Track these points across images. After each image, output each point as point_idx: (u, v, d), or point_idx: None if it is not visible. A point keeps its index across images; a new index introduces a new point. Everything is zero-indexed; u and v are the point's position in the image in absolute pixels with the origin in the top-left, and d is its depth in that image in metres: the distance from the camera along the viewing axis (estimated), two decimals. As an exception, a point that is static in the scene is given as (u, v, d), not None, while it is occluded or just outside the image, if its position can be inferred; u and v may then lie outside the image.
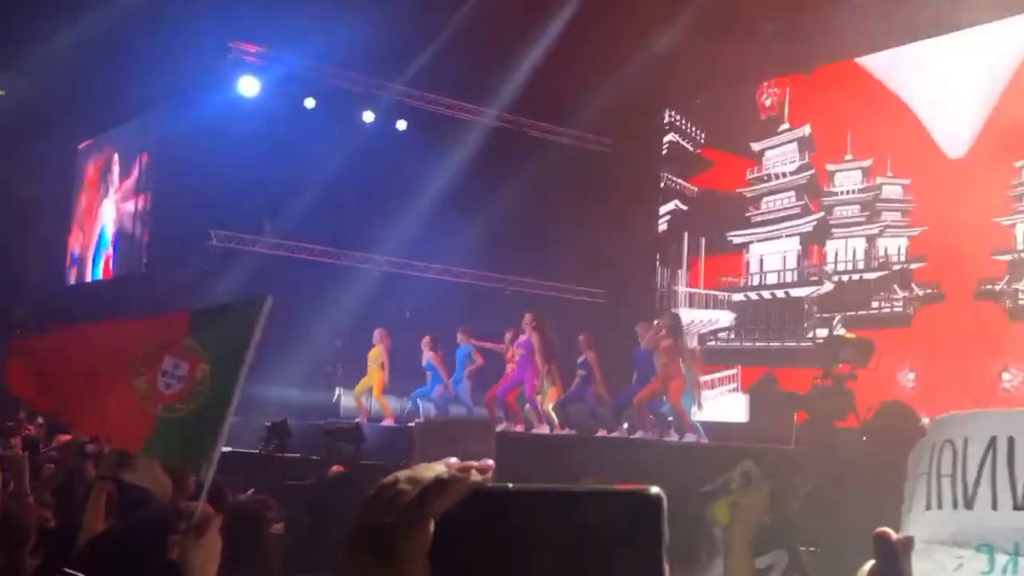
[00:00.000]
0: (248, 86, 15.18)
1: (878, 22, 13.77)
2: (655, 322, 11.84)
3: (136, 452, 2.90)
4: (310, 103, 15.68)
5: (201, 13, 13.70)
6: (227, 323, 2.95)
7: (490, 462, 0.97)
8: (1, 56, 14.56)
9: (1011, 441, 1.62)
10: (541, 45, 15.33)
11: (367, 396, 13.78)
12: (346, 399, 15.07)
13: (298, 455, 10.79)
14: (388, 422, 13.30)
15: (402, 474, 0.95)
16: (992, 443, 1.64)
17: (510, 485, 0.91)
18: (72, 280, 19.20)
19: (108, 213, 18.46)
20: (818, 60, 14.78)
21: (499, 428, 12.16)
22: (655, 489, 0.88)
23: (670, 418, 11.47)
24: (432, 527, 0.89)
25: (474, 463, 0.95)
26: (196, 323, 3.01)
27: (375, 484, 0.97)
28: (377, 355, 13.69)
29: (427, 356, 13.65)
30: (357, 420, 12.65)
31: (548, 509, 0.88)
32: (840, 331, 11.77)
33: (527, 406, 12.65)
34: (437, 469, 0.93)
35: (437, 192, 15.85)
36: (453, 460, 0.96)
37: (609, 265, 17.29)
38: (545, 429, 12.36)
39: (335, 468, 7.69)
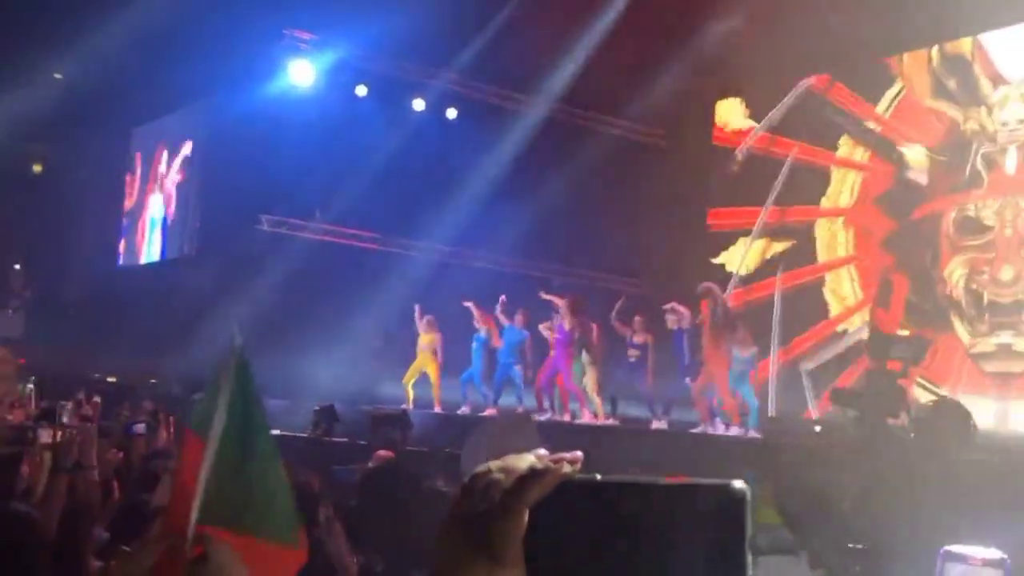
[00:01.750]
0: (301, 73, 15.31)
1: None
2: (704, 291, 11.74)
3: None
4: (362, 91, 15.80)
5: (254, 1, 13.84)
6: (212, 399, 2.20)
7: (579, 454, 0.99)
8: (57, 42, 14.80)
9: None
10: (593, 34, 15.30)
11: (419, 383, 13.82)
12: (388, 387, 15.19)
13: (345, 440, 10.90)
14: (437, 409, 13.37)
15: (494, 464, 0.97)
16: None
17: (598, 476, 0.94)
18: (123, 262, 19.50)
19: (159, 196, 18.72)
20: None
21: (544, 417, 12.25)
22: (739, 483, 0.90)
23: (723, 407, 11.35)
24: (526, 516, 0.91)
25: (565, 454, 0.98)
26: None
27: (420, 470, 0.99)
28: (431, 342, 13.71)
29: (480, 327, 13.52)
30: (404, 407, 12.73)
31: (636, 500, 0.90)
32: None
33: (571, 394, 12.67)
34: (529, 459, 0.95)
35: (486, 181, 15.91)
36: (542, 451, 0.98)
37: (657, 257, 17.21)
38: (589, 418, 12.36)
39: (381, 453, 7.76)
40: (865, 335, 12.34)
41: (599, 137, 17.39)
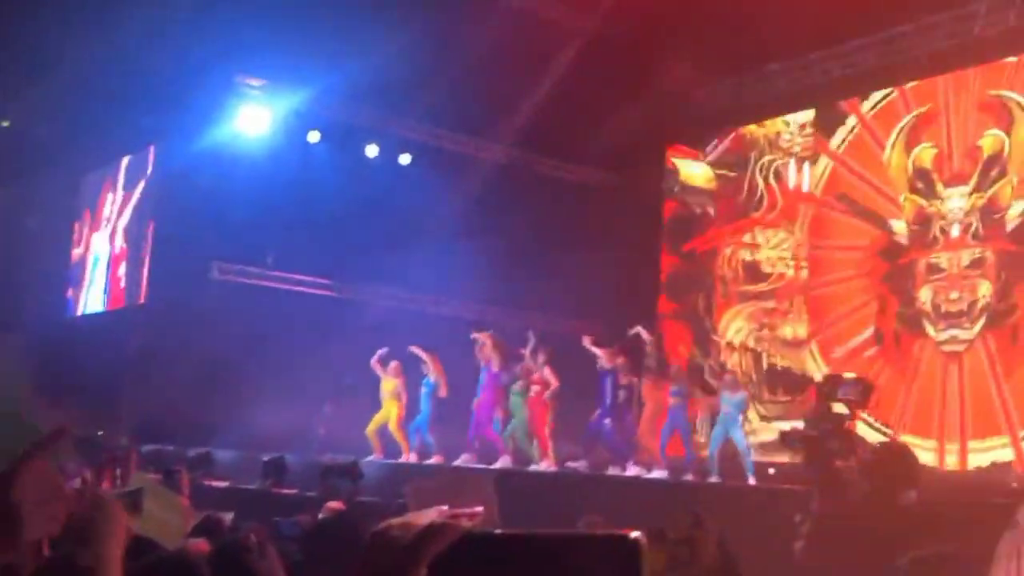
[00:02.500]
0: (253, 119, 15.30)
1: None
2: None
3: None
4: (314, 137, 15.80)
5: (207, 46, 13.85)
6: None
7: (479, 509, 1.01)
8: (6, 87, 14.72)
9: None
10: (547, 81, 15.47)
11: (387, 431, 13.68)
12: (343, 436, 15.09)
13: (295, 491, 10.78)
14: (407, 458, 13.21)
15: (395, 521, 1.00)
16: None
17: (497, 531, 0.96)
18: (73, 312, 19.26)
19: (107, 244, 18.55)
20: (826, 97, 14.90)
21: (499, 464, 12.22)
22: (635, 534, 0.92)
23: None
24: (424, 572, 0.93)
25: (464, 510, 1.00)
26: None
27: (370, 523, 1.02)
28: (394, 388, 13.62)
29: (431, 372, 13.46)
30: (354, 457, 12.62)
31: (533, 553, 0.92)
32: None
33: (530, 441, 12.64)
34: (430, 516, 0.98)
35: (441, 226, 15.92)
36: (444, 508, 1.00)
37: (611, 300, 17.35)
38: (544, 466, 12.35)
39: (331, 505, 7.67)
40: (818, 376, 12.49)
41: (553, 181, 17.56)
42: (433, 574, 0.93)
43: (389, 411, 13.62)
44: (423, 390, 13.47)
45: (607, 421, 12.05)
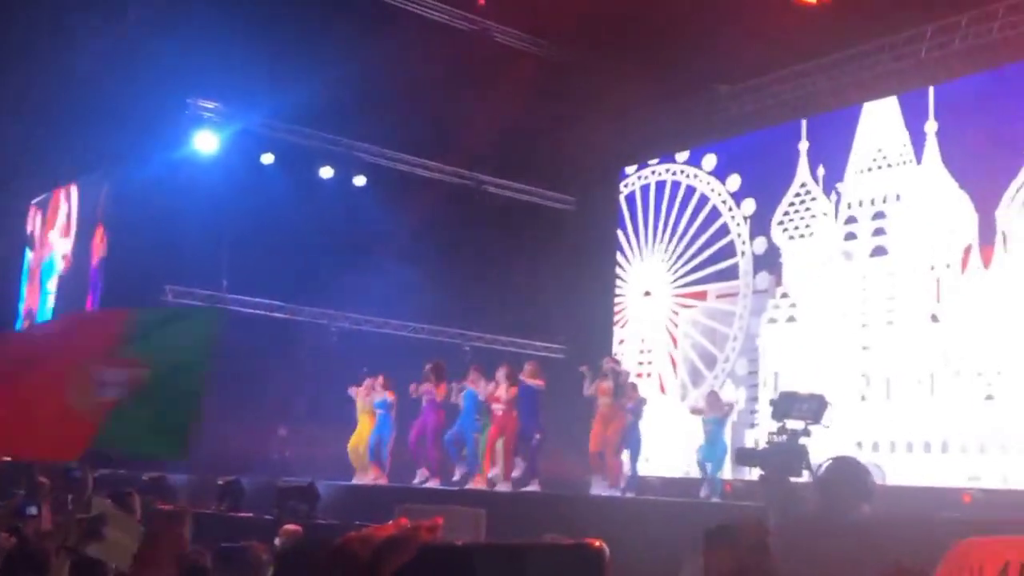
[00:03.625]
0: (205, 141, 15.23)
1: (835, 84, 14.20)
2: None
3: (77, 454, 3.00)
4: (268, 159, 15.75)
5: (159, 69, 13.78)
6: (174, 330, 3.07)
7: (439, 520, 1.01)
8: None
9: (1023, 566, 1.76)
10: (500, 103, 15.53)
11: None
12: (300, 459, 14.98)
13: (251, 515, 10.67)
14: (376, 479, 13.05)
15: (354, 535, 0.99)
16: (1005, 568, 1.76)
17: (458, 542, 0.97)
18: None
19: (59, 267, 18.29)
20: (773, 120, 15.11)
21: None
22: (598, 543, 0.94)
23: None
24: None
25: (424, 522, 1.00)
26: (131, 331, 3.07)
27: (327, 546, 1.01)
28: (370, 405, 13.50)
29: (381, 395, 13.41)
30: (311, 479, 12.51)
31: (495, 564, 0.93)
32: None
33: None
34: (388, 530, 0.98)
35: (396, 248, 15.91)
36: (404, 520, 1.00)
37: (568, 320, 17.45)
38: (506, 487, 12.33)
39: (289, 527, 7.62)
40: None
41: (508, 203, 17.64)
42: None
43: (365, 428, 13.46)
44: (379, 412, 13.37)
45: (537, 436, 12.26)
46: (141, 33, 13.99)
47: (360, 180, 16.67)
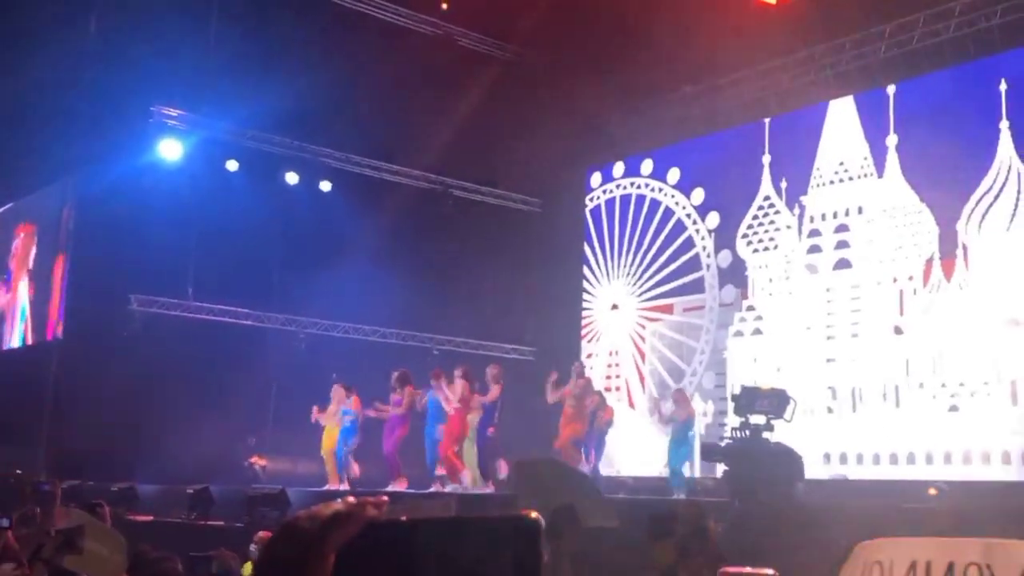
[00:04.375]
0: (170, 149, 15.20)
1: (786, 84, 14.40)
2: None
3: None
4: (233, 165, 15.74)
5: (123, 77, 13.76)
6: None
7: (384, 498, 1.08)
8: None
9: (928, 565, 1.88)
10: (465, 107, 15.62)
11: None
12: (270, 465, 15.00)
13: (222, 523, 10.68)
14: (340, 486, 12.99)
15: (302, 512, 1.05)
16: (912, 567, 1.88)
17: (403, 518, 1.03)
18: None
19: (24, 278, 18.15)
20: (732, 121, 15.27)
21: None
22: (534, 514, 1.00)
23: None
24: (332, 560, 0.98)
25: (370, 498, 1.07)
26: None
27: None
28: (336, 412, 13.46)
29: (344, 403, 13.37)
30: (282, 486, 12.51)
31: (438, 537, 0.98)
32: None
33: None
34: (335, 506, 1.04)
35: (363, 253, 15.94)
36: (351, 498, 1.07)
37: (538, 322, 17.57)
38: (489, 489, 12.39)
39: (263, 535, 7.65)
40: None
41: (475, 207, 17.70)
42: (340, 563, 0.97)
43: (333, 434, 13.41)
44: (346, 418, 13.34)
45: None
46: (103, 40, 13.97)
47: (326, 185, 16.67)
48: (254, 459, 15.22)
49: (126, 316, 14.98)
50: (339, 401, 13.45)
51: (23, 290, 18.24)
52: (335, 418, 13.44)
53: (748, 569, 1.64)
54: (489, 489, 12.19)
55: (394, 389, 13.00)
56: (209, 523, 10.81)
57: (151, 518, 11.23)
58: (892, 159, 13.35)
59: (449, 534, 0.98)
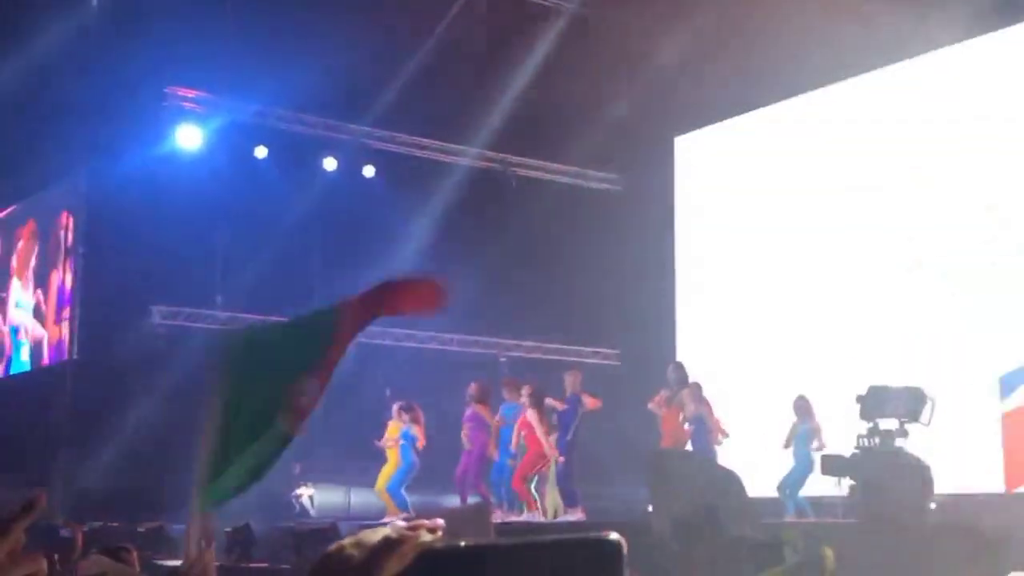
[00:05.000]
0: (189, 136, 15.39)
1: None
2: None
3: None
4: (261, 152, 15.92)
5: (132, 57, 13.98)
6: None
7: (440, 521, 1.09)
8: None
9: None
10: (527, 70, 15.57)
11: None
12: (319, 497, 15.15)
13: (266, 564, 10.83)
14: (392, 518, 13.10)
15: (348, 540, 1.08)
16: None
17: (462, 543, 1.05)
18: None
19: (30, 292, 18.53)
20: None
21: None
22: (614, 535, 1.03)
23: None
24: None
25: (424, 521, 1.08)
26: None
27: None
28: (397, 434, 13.56)
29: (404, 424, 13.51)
30: (334, 520, 12.65)
31: (504, 563, 1.00)
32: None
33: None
34: (384, 531, 1.06)
35: (415, 247, 16.00)
36: (400, 522, 1.08)
37: (623, 321, 17.46)
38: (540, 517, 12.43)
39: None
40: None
41: (543, 187, 17.64)
42: None
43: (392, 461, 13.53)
44: (402, 442, 13.42)
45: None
46: (106, 15, 14.19)
47: (369, 170, 16.79)
48: (300, 490, 15.38)
49: (147, 330, 15.23)
50: (398, 424, 13.50)
51: (26, 302, 18.63)
52: (394, 446, 13.47)
53: None
54: (577, 516, 12.21)
55: (469, 402, 13.01)
56: (251, 565, 10.95)
57: (179, 562, 11.42)
58: None
59: (517, 560, 1.00)
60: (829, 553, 4.17)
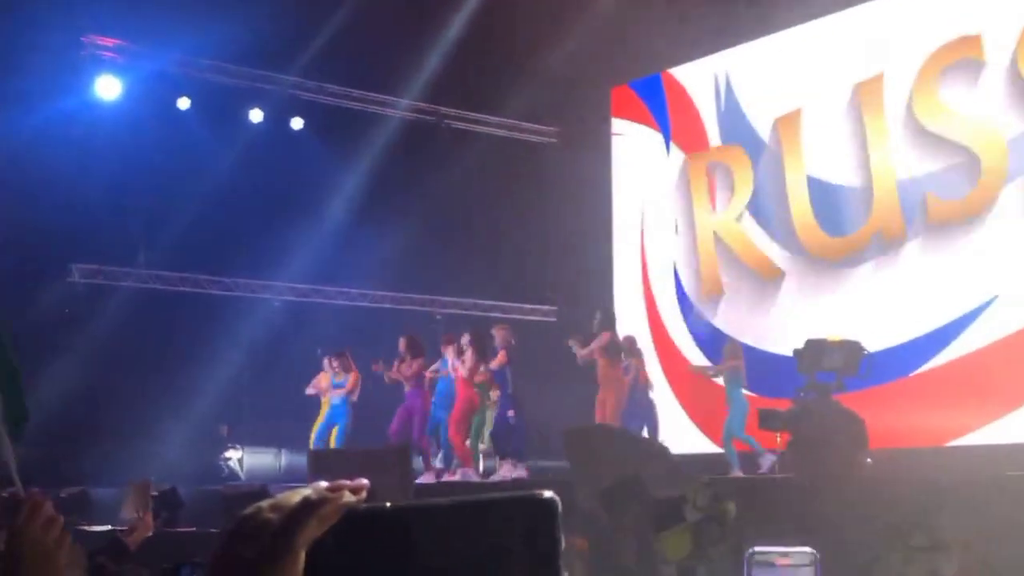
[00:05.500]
0: (108, 87, 15.16)
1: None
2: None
3: None
4: (184, 104, 15.70)
5: (46, 4, 13.67)
6: None
7: (364, 481, 1.03)
8: None
9: None
10: (460, 19, 15.46)
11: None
12: (248, 459, 15.09)
13: (193, 529, 10.77)
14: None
15: (265, 502, 1.00)
16: None
17: (387, 504, 1.00)
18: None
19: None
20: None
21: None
22: (548, 493, 0.96)
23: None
24: (303, 557, 0.95)
25: (347, 482, 1.02)
26: None
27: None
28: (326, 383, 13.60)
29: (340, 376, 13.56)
30: (264, 483, 12.62)
31: (432, 525, 0.95)
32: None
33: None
34: (304, 492, 0.98)
35: (346, 202, 15.91)
36: (322, 483, 1.02)
37: (561, 277, 17.51)
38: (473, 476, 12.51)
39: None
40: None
41: (478, 140, 17.59)
42: (312, 561, 0.95)
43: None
44: (333, 393, 13.50)
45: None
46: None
47: (297, 123, 16.64)
48: (229, 453, 15.32)
49: (66, 290, 15.03)
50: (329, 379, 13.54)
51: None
52: (323, 391, 13.54)
53: (781, 548, 1.65)
54: (519, 473, 12.27)
55: (403, 357, 13.02)
56: (178, 529, 10.89)
57: (108, 527, 11.31)
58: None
59: (445, 521, 0.96)
60: (731, 507, 4.23)
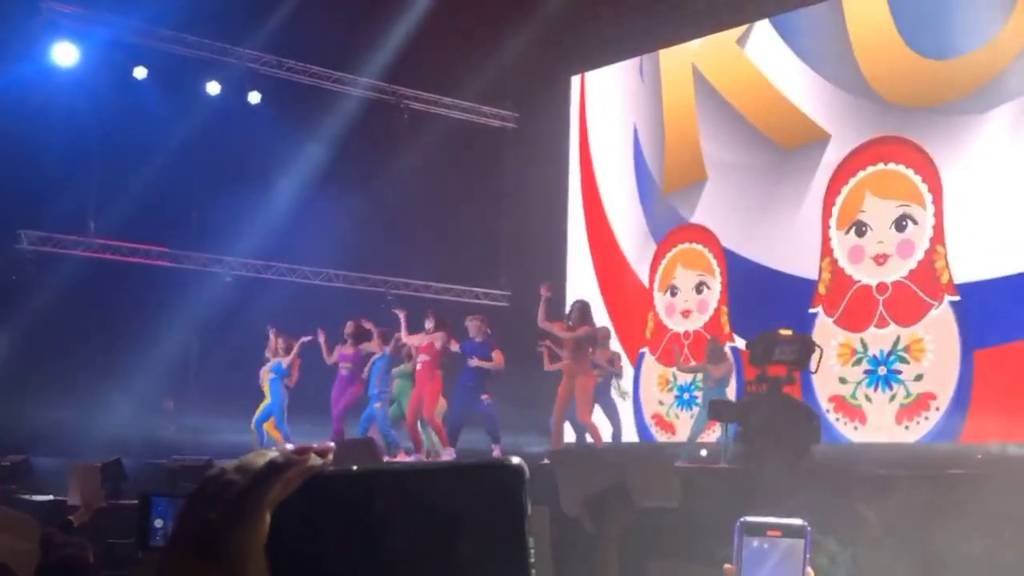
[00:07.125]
0: (64, 53, 15.02)
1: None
2: None
3: None
4: (141, 73, 15.59)
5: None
6: None
7: (331, 444, 1.02)
8: None
9: None
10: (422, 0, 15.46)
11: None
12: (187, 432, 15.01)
13: (136, 501, 10.69)
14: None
15: (230, 464, 1.00)
16: None
17: (355, 467, 0.98)
18: None
19: None
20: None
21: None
22: (516, 460, 0.96)
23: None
24: (268, 519, 0.93)
25: (313, 444, 1.00)
26: None
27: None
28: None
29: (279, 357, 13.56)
30: (209, 457, 12.55)
31: (399, 490, 0.93)
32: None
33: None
34: (269, 455, 0.97)
35: (301, 179, 15.86)
36: (288, 445, 1.00)
37: (514, 261, 17.54)
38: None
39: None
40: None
41: (436, 121, 17.59)
42: (277, 524, 0.94)
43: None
44: (271, 375, 13.52)
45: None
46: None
47: (255, 96, 16.56)
48: (174, 427, 15.24)
49: (14, 256, 14.89)
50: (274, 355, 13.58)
51: None
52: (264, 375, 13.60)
53: (773, 520, 1.63)
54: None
55: (346, 342, 13.02)
56: (122, 502, 10.80)
57: (51, 497, 11.21)
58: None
59: (413, 485, 0.95)
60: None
